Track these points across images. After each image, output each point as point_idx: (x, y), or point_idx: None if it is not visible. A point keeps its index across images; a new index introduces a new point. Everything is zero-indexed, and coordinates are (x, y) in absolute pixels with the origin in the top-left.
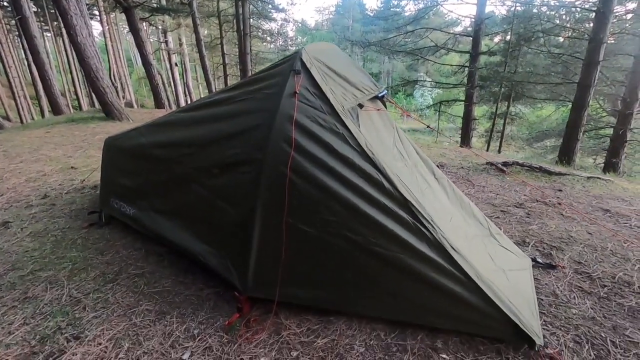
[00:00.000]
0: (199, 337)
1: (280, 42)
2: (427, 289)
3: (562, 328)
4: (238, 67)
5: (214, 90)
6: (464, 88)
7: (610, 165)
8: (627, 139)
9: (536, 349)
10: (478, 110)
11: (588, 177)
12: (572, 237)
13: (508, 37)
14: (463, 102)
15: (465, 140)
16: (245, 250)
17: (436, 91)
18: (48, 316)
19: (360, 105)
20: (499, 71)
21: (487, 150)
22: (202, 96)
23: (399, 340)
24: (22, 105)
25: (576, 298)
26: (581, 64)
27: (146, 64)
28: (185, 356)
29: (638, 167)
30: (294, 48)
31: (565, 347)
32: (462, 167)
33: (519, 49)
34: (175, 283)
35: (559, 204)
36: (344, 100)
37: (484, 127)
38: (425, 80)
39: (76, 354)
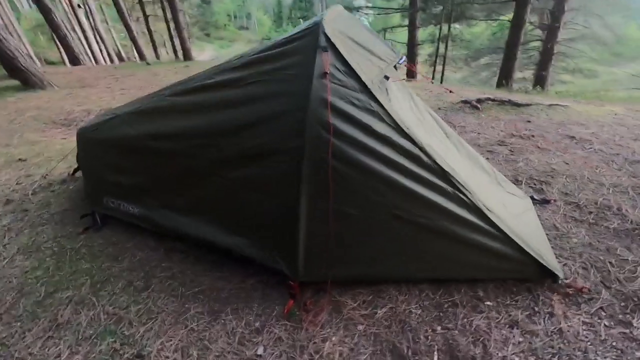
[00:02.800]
0: (265, 330)
1: None
2: (468, 247)
3: (569, 258)
4: (159, 6)
5: (135, 35)
6: (404, 13)
7: (540, 79)
8: (554, 52)
9: (559, 282)
10: (421, 34)
11: (549, 105)
12: (554, 169)
13: None
14: (407, 27)
15: (412, 66)
16: (292, 239)
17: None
18: (95, 340)
19: (387, 77)
20: None
21: (433, 73)
22: (119, 43)
23: (447, 296)
24: None
25: (572, 228)
26: None
27: (44, 10)
28: (260, 351)
29: (561, 77)
30: None
31: (577, 274)
32: (440, 108)
33: None
34: (213, 279)
35: (532, 136)
36: (372, 74)
37: (426, 51)
38: (368, 7)
39: None
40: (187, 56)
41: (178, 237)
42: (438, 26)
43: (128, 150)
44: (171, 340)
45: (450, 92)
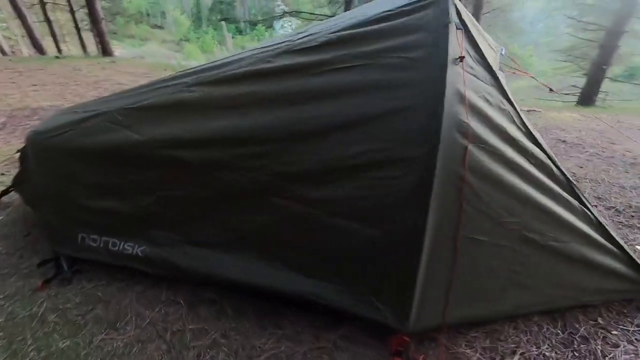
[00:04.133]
0: None
1: None
2: (591, 270)
3: None
4: None
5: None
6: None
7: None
8: None
9: None
10: None
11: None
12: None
13: None
14: None
15: None
16: (407, 279)
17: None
18: None
19: (501, 69)
20: None
21: None
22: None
23: (571, 329)
24: None
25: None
26: None
27: None
28: None
29: None
30: None
31: None
32: None
33: None
34: (273, 341)
35: None
36: (495, 65)
37: None
38: (294, 12)
39: None
40: (106, 51)
41: (204, 282)
42: None
43: (126, 162)
44: None
45: None
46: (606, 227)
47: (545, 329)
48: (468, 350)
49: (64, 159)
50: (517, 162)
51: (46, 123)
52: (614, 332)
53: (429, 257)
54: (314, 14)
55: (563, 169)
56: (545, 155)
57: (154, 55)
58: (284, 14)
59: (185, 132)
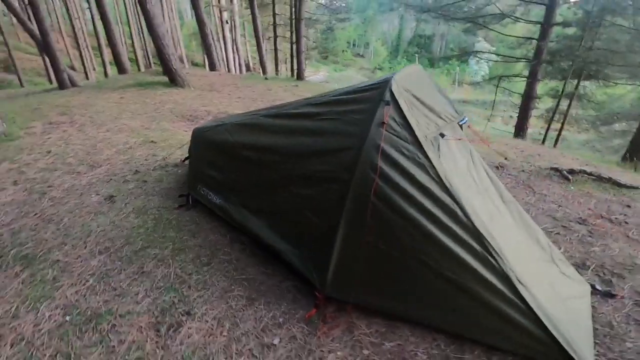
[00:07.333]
0: (285, 326)
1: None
2: (489, 311)
3: None
4: (288, 29)
5: (263, 51)
6: (527, 63)
7: None
8: None
9: None
10: (541, 87)
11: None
12: (636, 264)
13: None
14: (525, 79)
15: (523, 120)
16: (327, 257)
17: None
18: (163, 291)
19: (442, 134)
20: (573, 46)
21: (547, 131)
22: (250, 55)
23: (458, 352)
24: (85, 56)
25: (632, 332)
26: None
27: (200, 22)
28: (275, 341)
29: None
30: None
31: None
32: (524, 170)
33: (600, 21)
34: (259, 272)
35: (625, 222)
36: (427, 130)
37: (545, 104)
38: (484, 52)
39: (191, 328)
40: (299, 76)
41: (243, 231)
42: (563, 81)
43: (224, 152)
44: (213, 310)
45: (539, 154)
46: (511, 279)
47: (437, 343)
48: (364, 326)
49: (203, 145)
50: (422, 202)
51: (204, 124)
52: None
53: (341, 247)
54: (498, 54)
55: (471, 218)
56: (454, 203)
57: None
58: (472, 52)
59: (253, 141)
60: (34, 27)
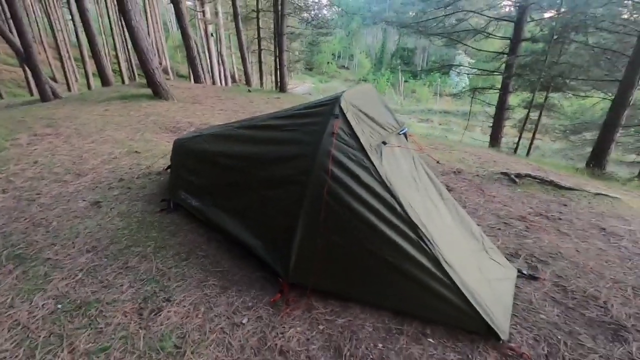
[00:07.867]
0: (253, 308)
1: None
2: (423, 289)
3: (527, 329)
4: (272, 42)
5: (248, 64)
6: (499, 75)
7: None
8: None
9: (500, 342)
10: (514, 99)
11: (596, 194)
12: (560, 253)
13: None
14: (498, 91)
15: (497, 130)
16: (289, 249)
17: (474, 70)
18: (145, 282)
19: (384, 142)
20: (540, 60)
21: (519, 140)
22: (235, 67)
23: (398, 325)
24: (68, 67)
25: (547, 306)
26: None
27: (185, 36)
28: (244, 321)
29: None
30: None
31: (525, 343)
32: (478, 175)
33: (564, 38)
34: (232, 265)
35: (559, 219)
36: (371, 138)
37: (519, 114)
38: (462, 66)
39: (170, 312)
40: (282, 88)
41: (218, 230)
42: (532, 93)
43: (202, 160)
44: (190, 297)
45: (494, 161)
46: (439, 261)
47: (382, 318)
48: (321, 307)
49: (183, 154)
50: (365, 199)
51: (185, 135)
52: (430, 340)
53: (301, 239)
54: (475, 67)
55: (407, 211)
56: (393, 199)
57: (333, 91)
58: (452, 65)
59: (226, 150)
60: (15, 38)
